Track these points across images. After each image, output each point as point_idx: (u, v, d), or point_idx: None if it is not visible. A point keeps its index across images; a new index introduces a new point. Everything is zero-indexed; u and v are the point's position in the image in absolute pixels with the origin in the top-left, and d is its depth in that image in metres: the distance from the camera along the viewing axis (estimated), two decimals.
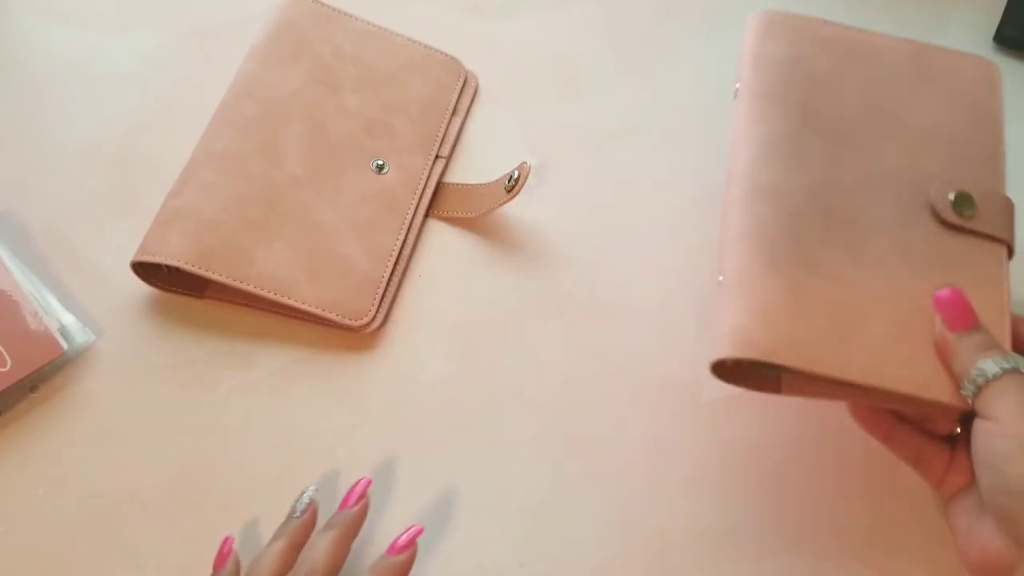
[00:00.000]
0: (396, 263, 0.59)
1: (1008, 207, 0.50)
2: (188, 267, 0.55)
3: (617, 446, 0.54)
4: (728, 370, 0.48)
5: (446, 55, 0.67)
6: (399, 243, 0.59)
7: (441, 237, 0.62)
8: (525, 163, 0.58)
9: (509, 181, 0.59)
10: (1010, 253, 0.50)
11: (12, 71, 0.68)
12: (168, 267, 0.57)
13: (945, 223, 0.50)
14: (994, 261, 0.49)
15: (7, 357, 0.54)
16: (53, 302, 0.57)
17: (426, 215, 0.62)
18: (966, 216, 0.50)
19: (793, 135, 0.52)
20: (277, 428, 0.55)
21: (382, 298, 0.58)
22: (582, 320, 0.58)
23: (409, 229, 0.61)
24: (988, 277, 0.48)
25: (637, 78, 0.69)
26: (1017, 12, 0.69)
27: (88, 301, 0.58)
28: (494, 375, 0.57)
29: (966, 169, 0.51)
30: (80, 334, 0.56)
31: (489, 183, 0.61)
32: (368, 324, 0.57)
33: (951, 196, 0.50)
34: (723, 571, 0.51)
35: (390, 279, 0.58)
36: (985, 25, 0.70)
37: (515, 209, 0.62)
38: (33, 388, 0.55)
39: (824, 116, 0.52)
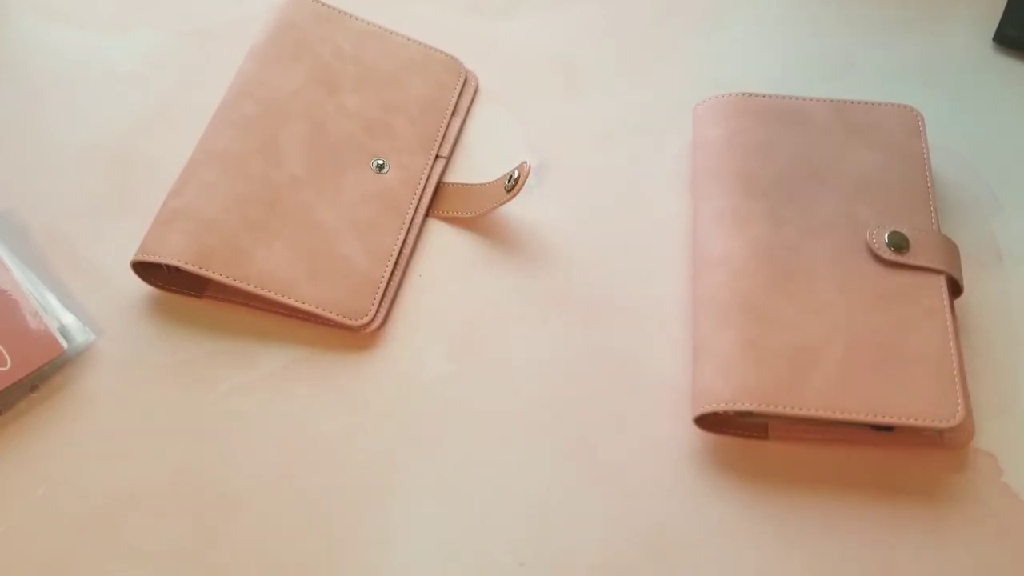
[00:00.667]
0: (396, 263, 0.59)
1: (942, 241, 0.55)
2: (188, 267, 0.55)
3: (616, 446, 0.54)
4: (712, 423, 0.53)
5: (446, 55, 0.67)
6: (399, 243, 0.59)
7: (441, 237, 0.62)
8: (525, 163, 0.58)
9: (509, 181, 0.59)
10: (955, 284, 0.55)
11: (12, 71, 0.68)
12: (168, 267, 0.57)
13: (883, 261, 0.54)
14: (934, 291, 0.54)
15: (7, 356, 0.54)
16: (53, 301, 0.57)
17: (426, 215, 0.62)
18: (901, 253, 0.54)
19: (736, 205, 0.57)
20: (277, 428, 0.55)
21: (382, 298, 0.58)
22: (582, 320, 0.58)
23: (409, 229, 0.61)
24: (930, 306, 0.53)
25: (637, 78, 0.69)
26: (1017, 12, 0.69)
27: (88, 301, 0.58)
28: (494, 375, 0.57)
29: (898, 210, 0.57)
30: (80, 334, 0.56)
31: (489, 183, 0.61)
32: (368, 324, 0.57)
33: (885, 236, 0.55)
34: (724, 569, 0.51)
35: (390, 279, 0.58)
36: (985, 25, 0.70)
37: (515, 209, 0.62)
38: (33, 388, 0.55)
39: (763, 181, 0.57)
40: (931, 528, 0.51)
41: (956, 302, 0.55)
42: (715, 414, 0.52)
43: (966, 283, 0.56)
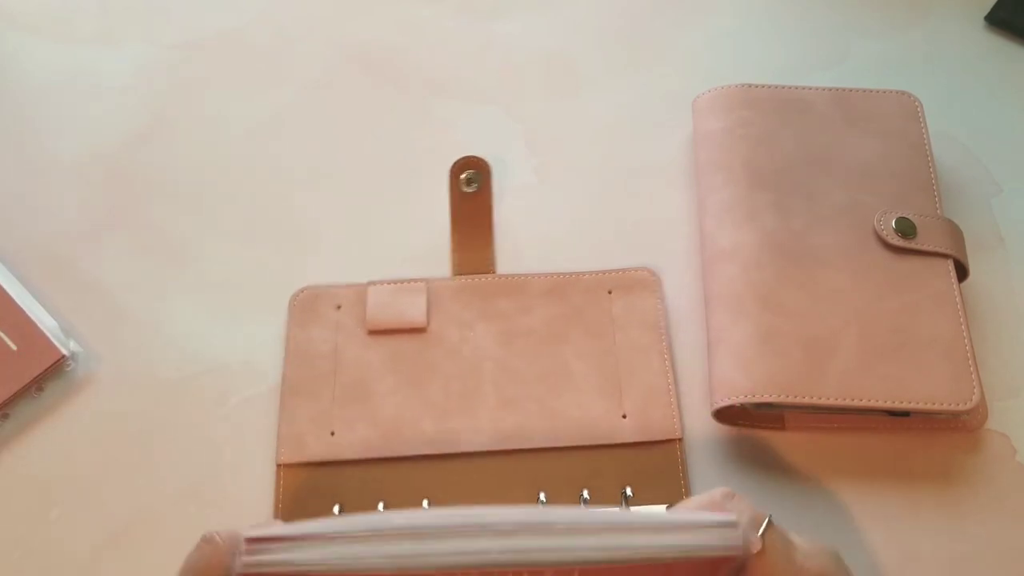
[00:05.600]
0: None
1: (947, 226, 0.56)
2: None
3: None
4: (730, 416, 0.53)
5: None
6: None
7: None
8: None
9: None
10: (961, 267, 0.55)
11: (1, 88, 0.67)
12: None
13: (891, 247, 0.55)
14: (943, 275, 0.54)
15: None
16: (51, 323, 0.56)
17: None
18: (909, 238, 0.55)
19: (743, 196, 0.57)
20: None
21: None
22: None
23: None
24: (940, 290, 0.54)
25: (633, 73, 0.68)
26: None
27: (90, 319, 0.58)
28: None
29: (902, 196, 0.57)
30: (83, 354, 0.56)
31: None
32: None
33: (893, 222, 0.55)
34: None
35: None
36: (976, 8, 0.70)
37: (517, 210, 0.62)
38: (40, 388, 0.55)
39: (768, 172, 0.57)
40: (949, 510, 0.52)
41: (962, 285, 0.55)
42: (732, 407, 0.52)
43: (969, 266, 0.56)
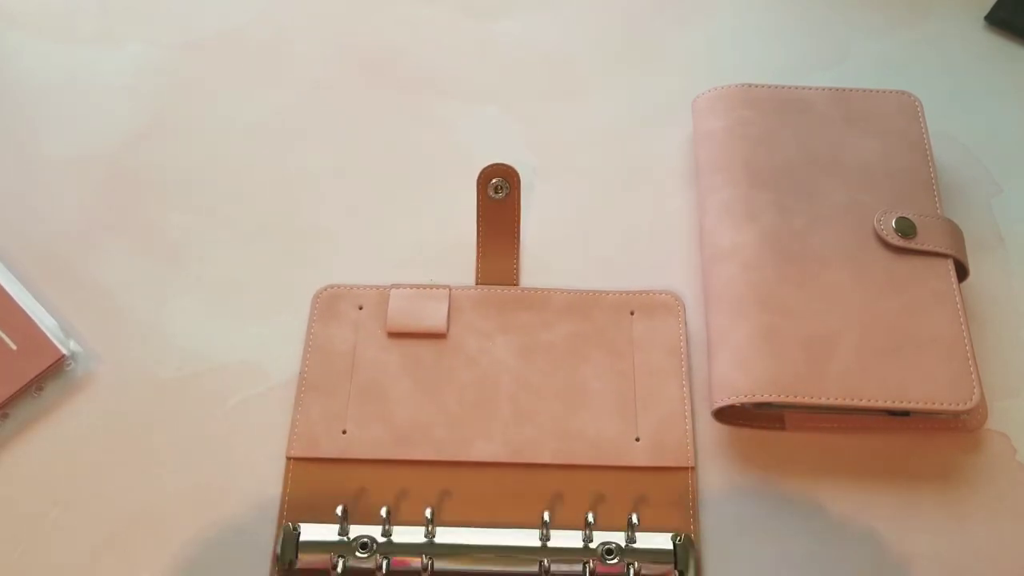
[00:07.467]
0: None
1: (947, 225, 0.56)
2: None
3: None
4: (729, 416, 0.53)
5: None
6: None
7: None
8: None
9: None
10: (961, 267, 0.55)
11: (2, 87, 0.67)
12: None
13: (891, 247, 0.55)
14: (943, 275, 0.54)
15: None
16: (51, 322, 0.56)
17: None
18: (909, 238, 0.55)
19: (743, 196, 0.57)
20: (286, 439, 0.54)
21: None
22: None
23: None
24: (939, 290, 0.54)
25: (632, 73, 0.69)
26: None
27: (89, 319, 0.58)
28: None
29: (902, 196, 0.57)
30: (83, 354, 0.56)
31: None
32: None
33: (893, 222, 0.55)
34: (744, 560, 0.51)
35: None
36: (976, 8, 0.70)
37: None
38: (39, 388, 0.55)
39: (768, 171, 0.58)
40: (949, 510, 0.52)
41: (962, 285, 0.55)
42: (733, 406, 0.52)
43: (969, 266, 0.56)
